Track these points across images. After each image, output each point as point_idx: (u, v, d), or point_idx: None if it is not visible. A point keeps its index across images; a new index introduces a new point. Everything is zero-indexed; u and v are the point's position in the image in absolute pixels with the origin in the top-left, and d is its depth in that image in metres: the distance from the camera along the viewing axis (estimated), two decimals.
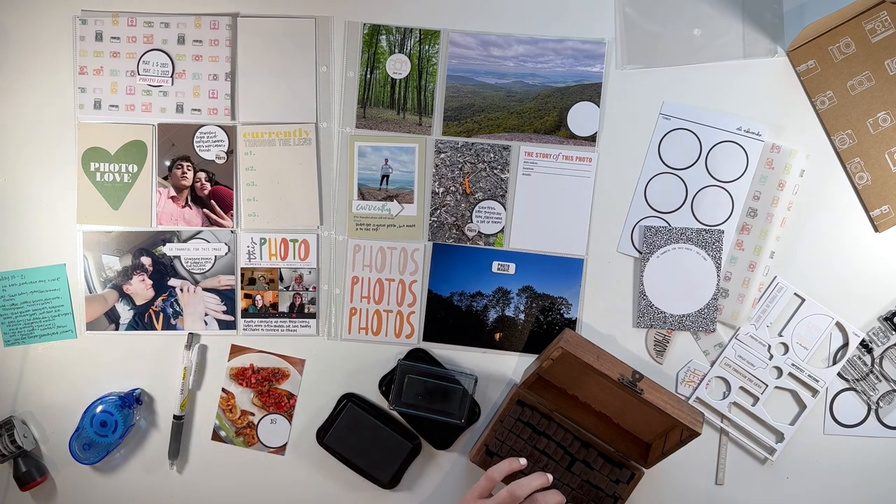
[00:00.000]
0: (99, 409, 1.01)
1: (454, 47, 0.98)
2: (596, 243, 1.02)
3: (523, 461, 0.92)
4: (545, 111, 1.01)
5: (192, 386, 1.04)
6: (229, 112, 1.02)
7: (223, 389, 1.04)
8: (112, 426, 1.01)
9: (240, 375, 1.04)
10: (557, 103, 1.01)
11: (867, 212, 1.00)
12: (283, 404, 1.04)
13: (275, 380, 1.04)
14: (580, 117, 1.00)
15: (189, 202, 1.03)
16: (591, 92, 1.00)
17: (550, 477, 0.90)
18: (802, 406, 1.01)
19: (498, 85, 1.00)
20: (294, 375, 1.04)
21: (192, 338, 1.04)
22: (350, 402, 1.02)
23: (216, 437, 1.05)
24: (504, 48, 0.99)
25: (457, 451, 1.04)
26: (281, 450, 1.05)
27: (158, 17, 1.01)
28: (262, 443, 1.05)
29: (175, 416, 1.04)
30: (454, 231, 1.03)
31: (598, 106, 1.00)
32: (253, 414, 1.04)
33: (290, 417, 1.04)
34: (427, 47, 1.02)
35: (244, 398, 1.04)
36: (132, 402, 1.02)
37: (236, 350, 1.04)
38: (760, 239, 1.00)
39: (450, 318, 1.03)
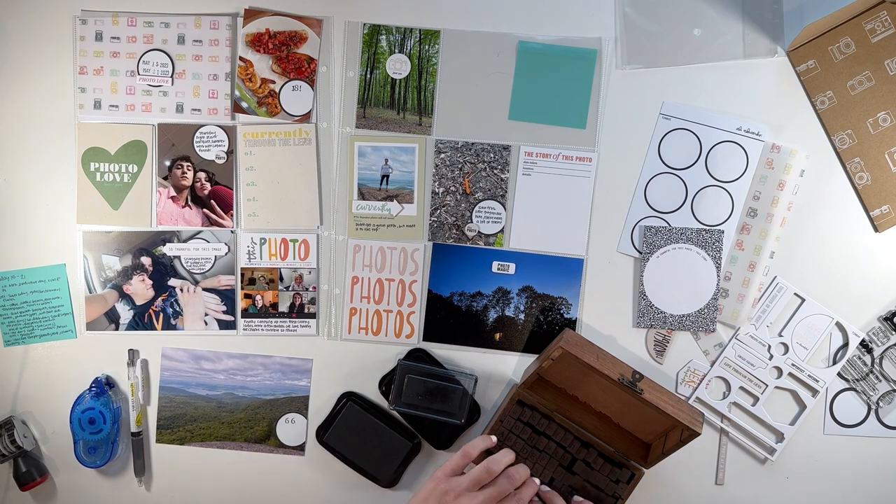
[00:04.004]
0: (79, 410, 1.01)
1: (166, 360, 1.03)
2: (596, 243, 1.02)
3: (494, 438, 0.95)
4: (255, 421, 1.04)
5: (143, 401, 1.04)
6: (229, 112, 1.02)
7: (241, 58, 1.01)
8: (100, 419, 1.01)
9: (256, 41, 1.00)
10: (266, 414, 1.04)
11: (867, 212, 1.00)
12: (303, 69, 1.00)
13: (293, 44, 1.00)
14: (289, 428, 1.04)
15: (189, 202, 1.03)
16: (299, 404, 1.04)
17: (513, 454, 0.94)
18: (802, 406, 1.01)
19: (209, 396, 1.04)
20: (312, 38, 1.00)
21: (133, 354, 1.03)
22: (350, 401, 1.02)
23: (238, 108, 1.01)
24: (215, 362, 1.04)
25: (457, 452, 1.04)
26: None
27: (158, 17, 1.01)
28: (285, 111, 1.01)
29: (133, 433, 1.03)
30: (454, 231, 1.03)
31: (306, 418, 1.04)
32: (274, 81, 1.01)
33: (312, 83, 1.00)
34: (427, 47, 1.02)
35: (263, 65, 1.01)
36: (103, 387, 1.02)
37: (251, 14, 1.00)
38: (760, 239, 1.00)
39: (450, 318, 1.03)
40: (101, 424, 1.01)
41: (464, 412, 1.01)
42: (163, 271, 1.04)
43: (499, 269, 1.03)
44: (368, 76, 1.02)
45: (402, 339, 1.04)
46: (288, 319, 1.04)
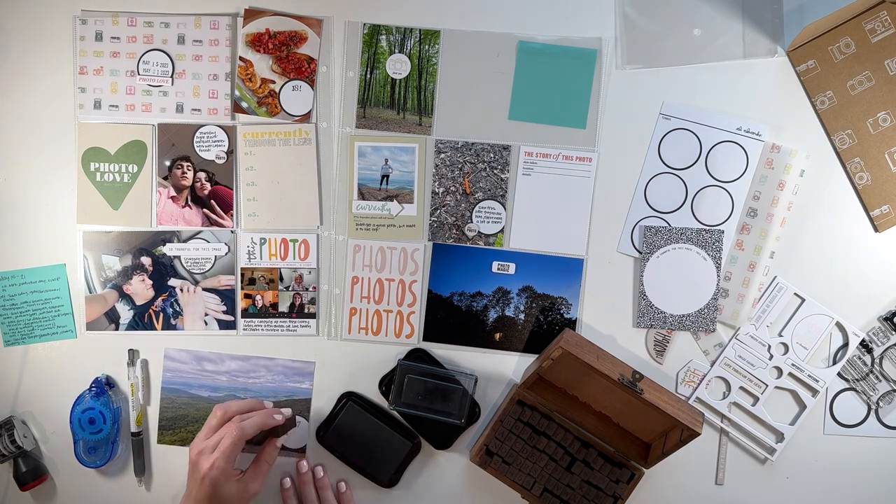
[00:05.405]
0: (79, 410, 1.01)
1: (169, 361, 1.03)
2: (596, 243, 1.02)
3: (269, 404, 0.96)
4: None
5: (143, 401, 1.04)
6: (229, 112, 1.02)
7: (241, 58, 1.01)
8: (100, 419, 1.01)
9: (256, 41, 1.00)
10: None
11: (867, 212, 1.00)
12: (303, 69, 1.00)
13: (293, 44, 1.00)
14: (290, 432, 1.02)
15: (189, 202, 1.03)
16: (301, 407, 1.04)
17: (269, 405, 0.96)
18: (802, 406, 1.01)
19: (211, 398, 1.04)
20: (312, 38, 1.00)
21: (133, 354, 1.03)
22: (350, 401, 1.02)
23: (238, 108, 1.01)
24: (217, 363, 1.04)
25: (457, 451, 1.04)
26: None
27: (158, 17, 1.01)
28: (285, 111, 1.01)
29: (133, 433, 1.03)
30: (454, 231, 1.03)
31: (308, 421, 1.03)
32: (274, 81, 1.01)
33: (312, 83, 1.00)
34: (427, 47, 1.02)
35: (263, 65, 1.01)
36: (103, 388, 1.02)
37: (251, 14, 1.00)
38: (760, 239, 1.00)
39: (450, 318, 1.03)
40: (101, 424, 1.01)
41: (464, 412, 1.01)
42: (163, 271, 1.04)
43: (499, 269, 1.03)
44: (368, 76, 1.02)
45: (402, 339, 1.04)
46: (288, 319, 1.04)
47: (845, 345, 1.01)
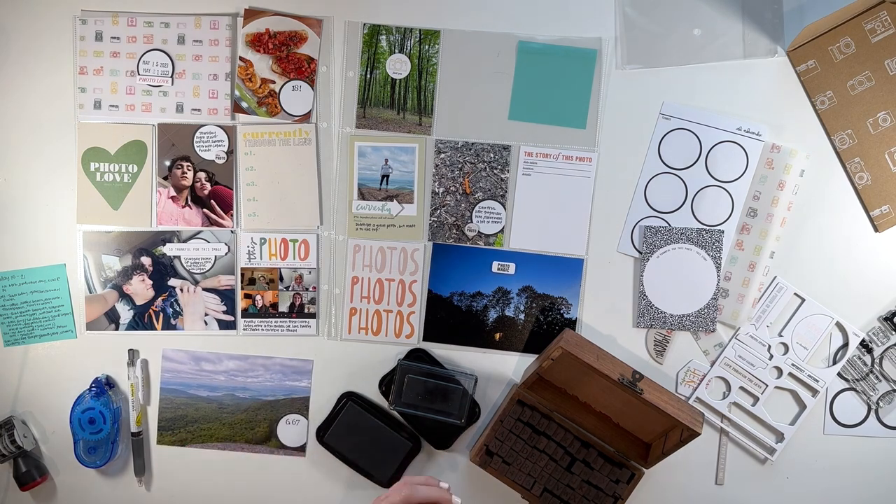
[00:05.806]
0: (79, 410, 1.01)
1: (167, 362, 1.03)
2: (596, 243, 1.02)
3: (445, 485, 0.80)
4: (256, 422, 1.04)
5: (143, 401, 1.04)
6: (229, 112, 1.02)
7: (241, 58, 1.01)
8: (100, 419, 1.01)
9: (256, 41, 1.00)
10: (267, 415, 1.04)
11: (867, 212, 1.00)
12: (303, 69, 1.00)
13: (293, 44, 1.00)
14: (289, 429, 1.04)
15: (189, 202, 1.03)
16: (299, 405, 1.04)
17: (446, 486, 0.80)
18: (802, 406, 1.01)
19: (210, 398, 1.04)
20: (312, 38, 1.00)
21: (133, 354, 1.03)
22: (350, 401, 1.02)
23: (238, 108, 1.01)
24: (215, 363, 1.04)
25: (457, 451, 1.04)
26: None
27: (158, 17, 1.01)
28: (285, 111, 1.01)
29: (133, 433, 1.03)
30: (454, 231, 1.03)
31: (307, 419, 1.04)
32: (274, 81, 1.01)
33: (312, 83, 1.00)
34: (427, 47, 1.02)
35: (263, 66, 1.01)
36: (103, 388, 1.02)
37: (250, 14, 1.00)
38: (760, 239, 1.00)
39: (450, 318, 1.03)
40: (101, 424, 1.01)
41: (464, 412, 1.01)
42: (163, 271, 1.04)
43: (499, 269, 1.03)
44: (368, 76, 1.02)
45: (402, 339, 1.04)
46: (288, 319, 1.04)
47: (845, 345, 1.01)
